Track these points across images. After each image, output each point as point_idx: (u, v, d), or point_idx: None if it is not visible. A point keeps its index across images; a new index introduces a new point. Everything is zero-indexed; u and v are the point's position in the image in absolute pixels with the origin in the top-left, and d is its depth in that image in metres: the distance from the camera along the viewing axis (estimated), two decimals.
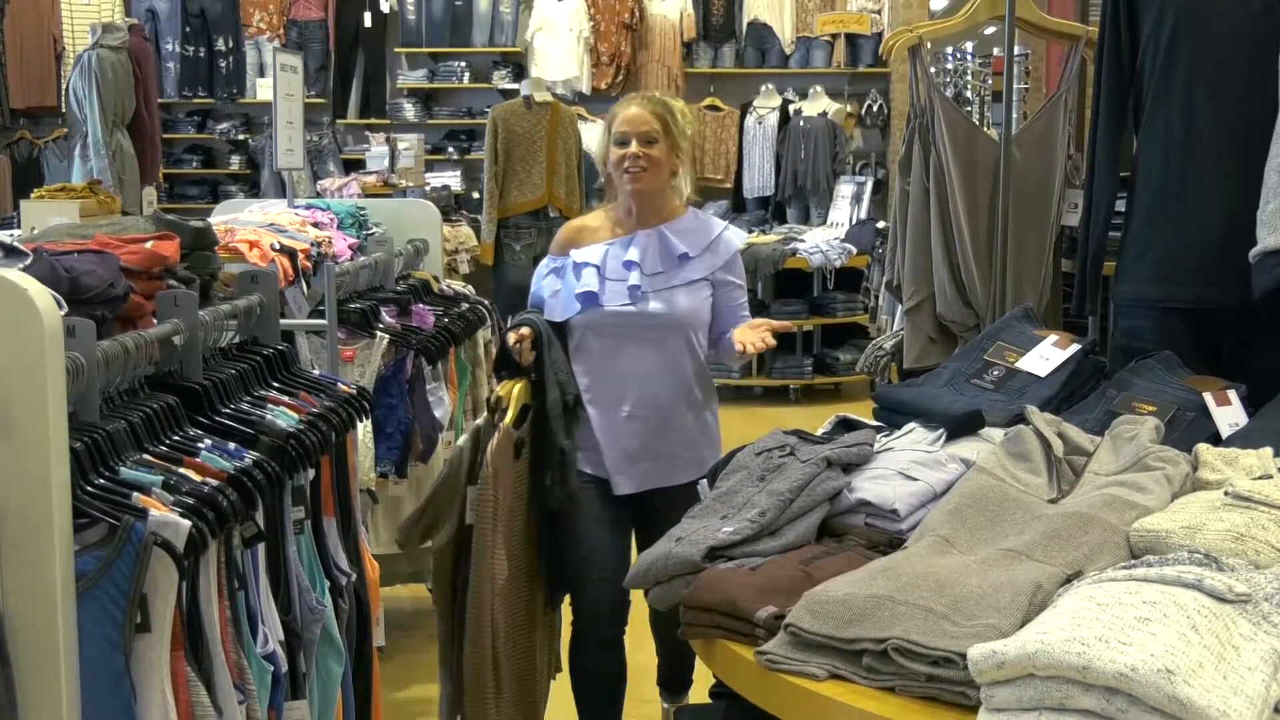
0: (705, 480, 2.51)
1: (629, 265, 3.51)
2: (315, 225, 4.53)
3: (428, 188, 8.85)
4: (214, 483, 2.32)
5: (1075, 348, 2.77)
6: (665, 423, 3.56)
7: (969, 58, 8.33)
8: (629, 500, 3.60)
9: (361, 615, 2.96)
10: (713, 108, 11.67)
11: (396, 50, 12.01)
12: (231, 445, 2.51)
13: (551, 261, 3.65)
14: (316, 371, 3.39)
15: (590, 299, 3.51)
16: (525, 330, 3.45)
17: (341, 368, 4.01)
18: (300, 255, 4.16)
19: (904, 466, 2.32)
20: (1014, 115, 4.42)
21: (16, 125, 11.15)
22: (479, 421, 3.57)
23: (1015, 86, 4.48)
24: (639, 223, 3.59)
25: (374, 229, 4.93)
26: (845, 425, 2.61)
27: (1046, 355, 2.76)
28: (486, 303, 5.23)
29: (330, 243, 4.40)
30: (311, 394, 2.91)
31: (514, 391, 3.47)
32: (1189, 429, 2.50)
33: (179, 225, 3.06)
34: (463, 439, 3.60)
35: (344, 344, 4.14)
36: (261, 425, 2.64)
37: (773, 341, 3.46)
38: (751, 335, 3.43)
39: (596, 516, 3.56)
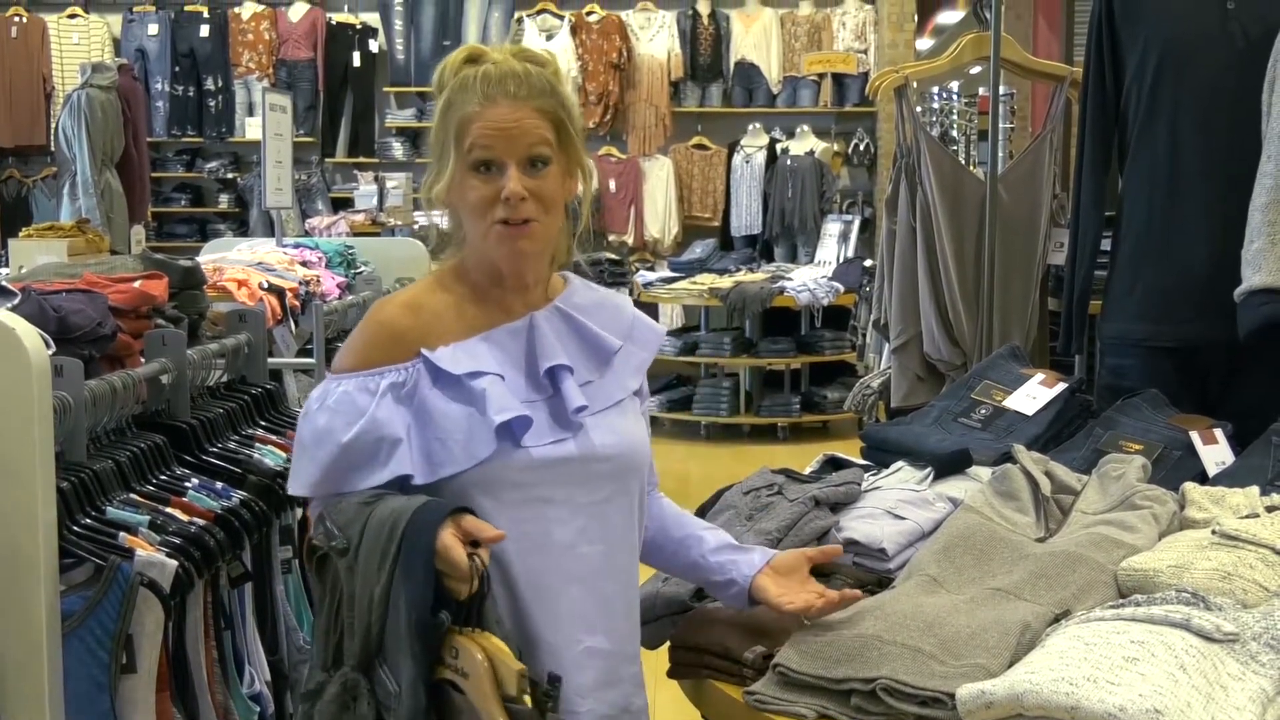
0: None
1: (558, 372, 1.95)
2: (304, 264, 4.54)
3: (416, 226, 8.86)
4: (201, 522, 2.32)
5: (1062, 386, 2.77)
6: (625, 652, 1.99)
7: (955, 97, 8.40)
8: None
9: None
10: (700, 147, 11.72)
11: (385, 89, 12.03)
12: (219, 484, 2.51)
13: (369, 379, 1.90)
14: None
15: (520, 431, 1.89)
16: (489, 530, 1.78)
17: None
18: (289, 294, 4.16)
19: (892, 505, 2.32)
20: (1000, 154, 4.44)
21: (5, 164, 11.16)
22: None
23: (1001, 126, 4.51)
24: (520, 299, 2.01)
25: (362, 267, 4.95)
26: (833, 464, 2.61)
27: (1033, 394, 2.77)
28: None
29: (318, 281, 4.41)
30: None
31: (494, 647, 1.72)
32: (1176, 467, 2.50)
33: (167, 264, 3.06)
34: None
35: None
36: (249, 464, 2.64)
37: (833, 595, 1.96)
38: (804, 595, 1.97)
39: None
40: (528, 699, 1.67)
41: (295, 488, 1.93)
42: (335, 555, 1.80)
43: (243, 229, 11.62)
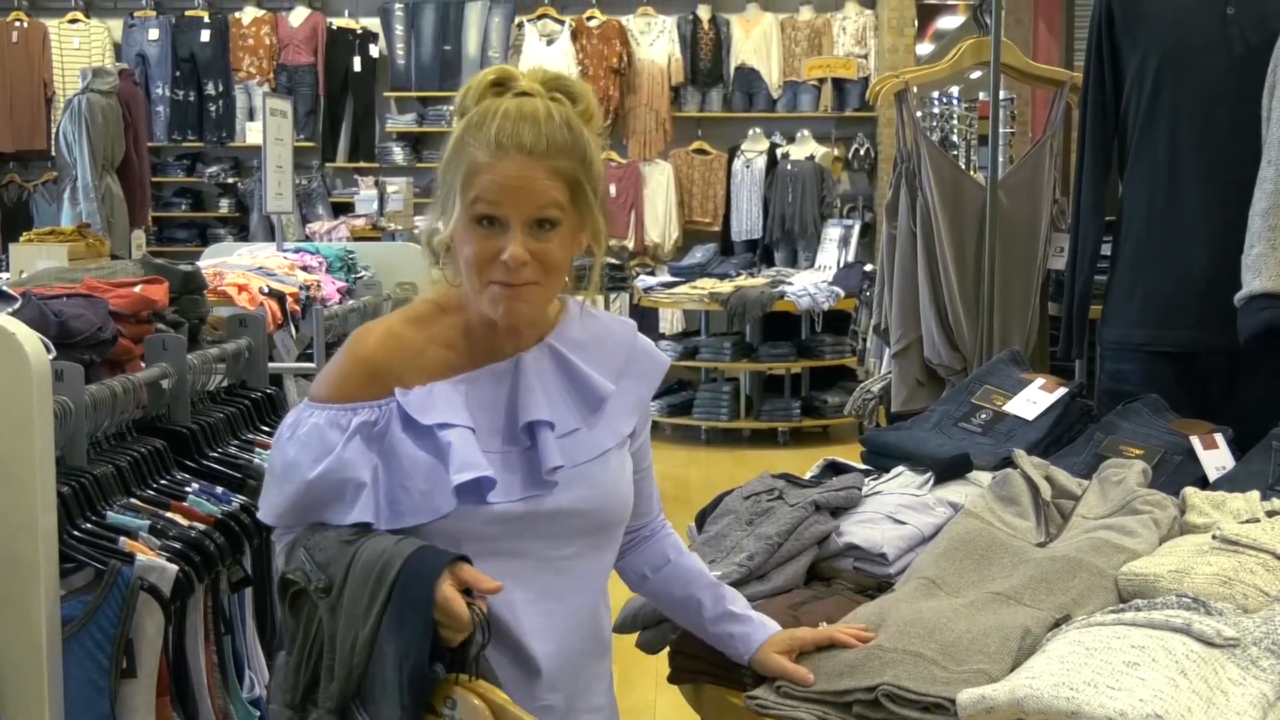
0: (694, 524, 2.50)
1: (536, 426, 1.85)
2: (304, 269, 4.55)
3: (417, 231, 8.86)
4: (201, 527, 2.32)
5: (1062, 391, 2.77)
6: (580, 707, 1.92)
7: (955, 102, 8.39)
8: None
9: None
10: (700, 151, 11.72)
11: (385, 94, 12.04)
12: (219, 489, 2.51)
13: (341, 413, 1.81)
14: None
15: (485, 488, 1.78)
16: (487, 582, 1.69)
17: None
18: (289, 299, 4.16)
19: (892, 510, 2.32)
20: (1000, 159, 4.45)
21: (6, 169, 11.17)
22: None
23: (1001, 131, 4.51)
24: (510, 339, 1.89)
25: (363, 272, 4.95)
26: (833, 469, 2.61)
27: (1034, 399, 2.77)
28: None
29: (319, 286, 4.41)
30: None
31: (496, 698, 1.67)
32: (1176, 472, 2.50)
33: (168, 269, 3.06)
34: None
35: None
36: (249, 469, 2.64)
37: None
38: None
39: None
40: None
41: (263, 515, 1.87)
42: (315, 594, 1.71)
43: (243, 234, 11.63)
